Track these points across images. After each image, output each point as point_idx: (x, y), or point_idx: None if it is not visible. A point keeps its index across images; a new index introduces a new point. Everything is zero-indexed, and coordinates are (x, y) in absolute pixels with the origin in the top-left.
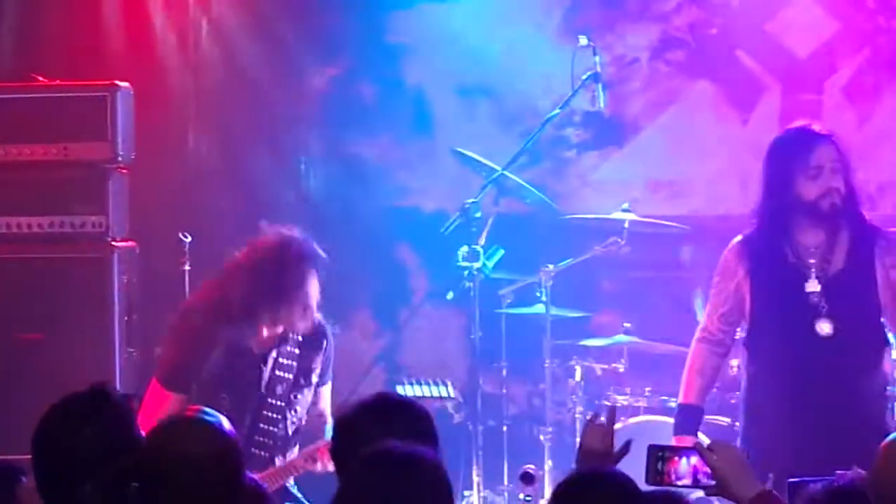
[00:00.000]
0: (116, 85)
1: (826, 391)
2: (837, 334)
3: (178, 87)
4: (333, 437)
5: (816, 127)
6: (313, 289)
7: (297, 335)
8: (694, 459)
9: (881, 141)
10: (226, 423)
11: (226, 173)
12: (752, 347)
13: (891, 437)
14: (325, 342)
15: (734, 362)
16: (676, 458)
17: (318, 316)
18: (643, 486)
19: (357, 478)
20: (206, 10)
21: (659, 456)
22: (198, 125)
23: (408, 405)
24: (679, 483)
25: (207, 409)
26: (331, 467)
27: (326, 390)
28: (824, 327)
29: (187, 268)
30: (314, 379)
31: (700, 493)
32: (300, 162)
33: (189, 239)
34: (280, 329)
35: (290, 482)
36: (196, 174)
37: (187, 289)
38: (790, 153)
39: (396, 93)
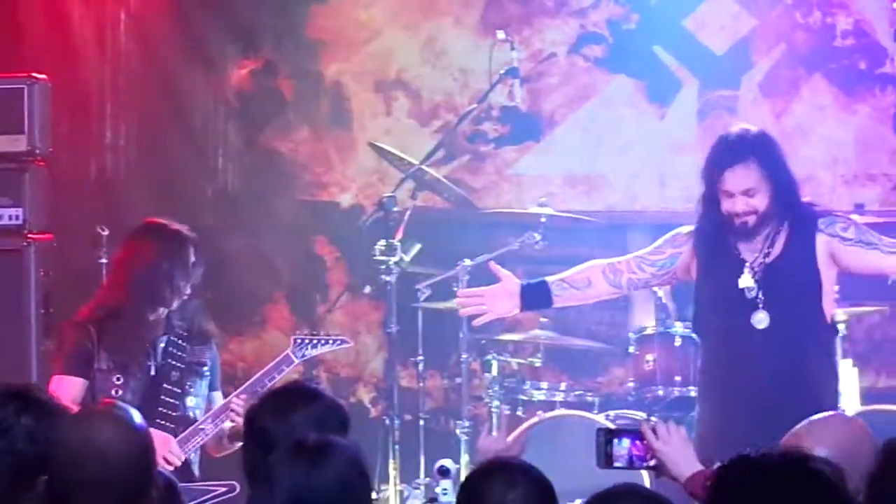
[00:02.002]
0: (34, 77)
1: (767, 381)
2: (774, 326)
3: (96, 80)
4: (246, 428)
5: (744, 135)
6: (186, 275)
7: (183, 326)
8: (627, 442)
9: (798, 136)
10: (137, 417)
11: (143, 166)
12: (699, 338)
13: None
14: (212, 341)
15: (649, 357)
16: (618, 440)
17: (209, 327)
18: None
19: (275, 469)
20: (124, 2)
21: (606, 439)
22: (115, 118)
23: (317, 395)
24: (621, 464)
25: (119, 403)
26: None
27: (218, 396)
28: (761, 320)
29: (104, 261)
30: (206, 372)
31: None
32: (218, 155)
33: (106, 232)
34: (163, 314)
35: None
36: (114, 167)
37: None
38: (711, 172)
39: (314, 87)
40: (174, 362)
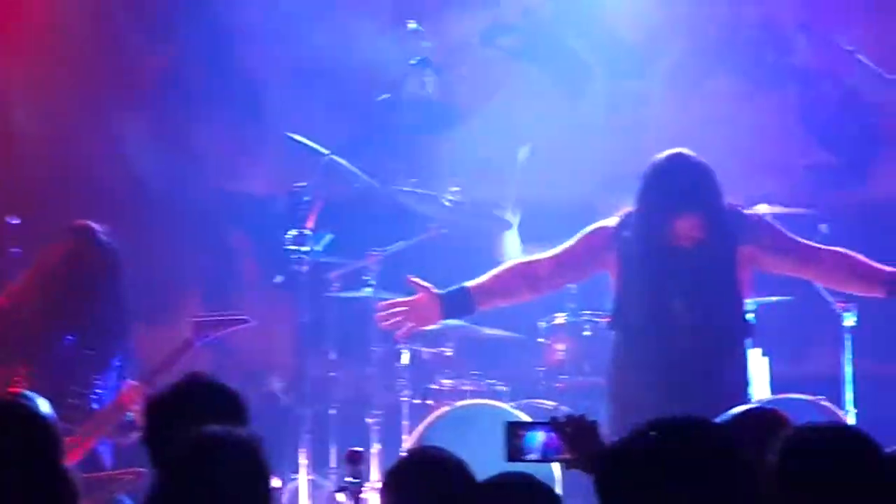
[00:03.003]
0: None
1: (686, 391)
2: (696, 340)
3: (6, 69)
4: (145, 420)
5: (694, 187)
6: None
7: (95, 317)
8: (542, 434)
9: (704, 125)
10: (44, 407)
11: (56, 157)
12: (616, 340)
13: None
14: (125, 331)
15: (559, 346)
16: (530, 433)
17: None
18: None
19: (173, 463)
20: None
21: (515, 432)
22: (27, 108)
23: (216, 386)
24: (533, 457)
25: (25, 393)
26: (136, 408)
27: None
28: (684, 335)
29: (15, 250)
30: (116, 362)
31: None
32: (132, 145)
33: (18, 222)
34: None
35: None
36: (25, 157)
37: (16, 272)
38: (659, 213)
39: (229, 77)
40: (84, 352)
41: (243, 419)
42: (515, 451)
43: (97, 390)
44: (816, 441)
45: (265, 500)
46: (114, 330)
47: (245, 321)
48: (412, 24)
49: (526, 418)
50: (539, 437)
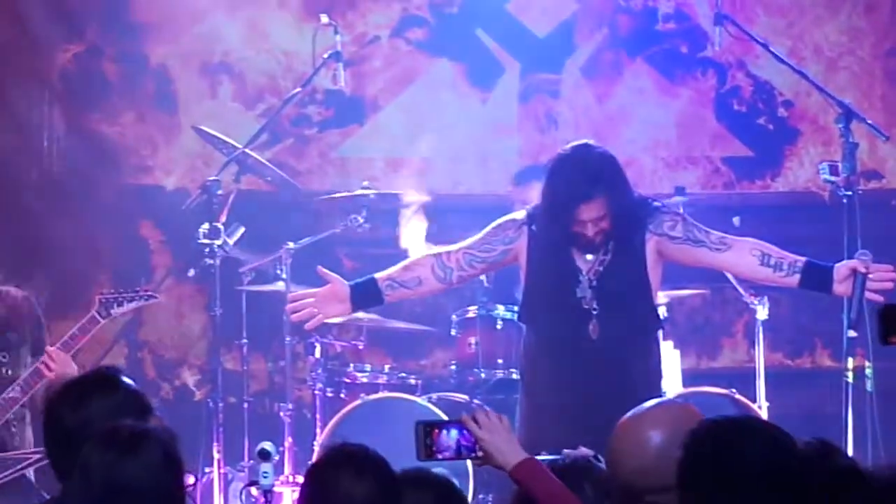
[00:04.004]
0: None
1: (597, 386)
2: (606, 333)
3: None
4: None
5: (599, 173)
6: None
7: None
8: (455, 433)
9: (620, 119)
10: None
11: None
12: (527, 333)
13: (625, 416)
14: (30, 305)
15: (472, 340)
16: (443, 432)
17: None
18: (414, 462)
19: (86, 458)
20: None
21: (426, 431)
22: None
23: (116, 383)
24: (447, 455)
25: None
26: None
27: None
28: (594, 329)
29: None
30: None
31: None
32: (42, 138)
33: None
34: None
35: None
36: None
37: None
38: (564, 200)
39: (139, 70)
40: None
41: (145, 417)
42: (427, 451)
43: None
44: (725, 434)
45: (180, 494)
46: (16, 305)
47: (151, 296)
48: (324, 18)
49: (438, 412)
50: (452, 434)
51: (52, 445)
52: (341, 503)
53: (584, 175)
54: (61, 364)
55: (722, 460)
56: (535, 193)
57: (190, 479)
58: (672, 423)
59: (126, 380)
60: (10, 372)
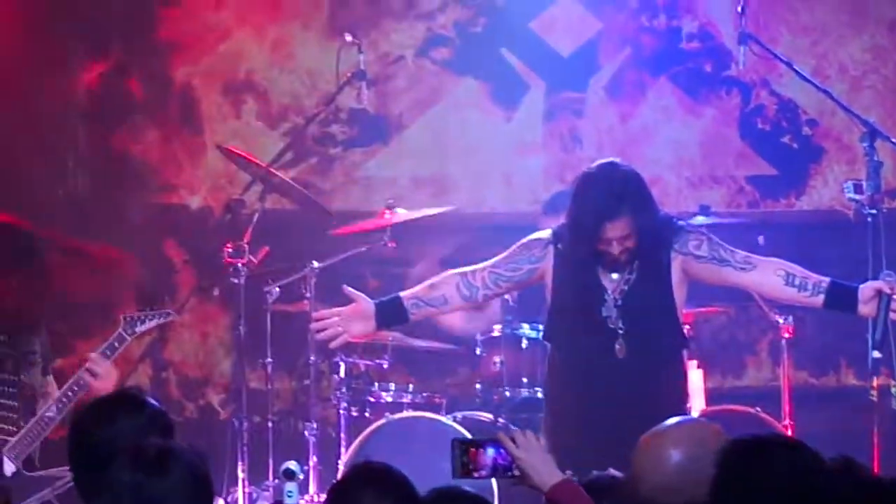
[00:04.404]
0: None
1: (623, 405)
2: (632, 352)
3: None
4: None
5: (623, 191)
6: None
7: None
8: (492, 451)
9: (644, 138)
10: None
11: None
12: (552, 352)
13: (646, 434)
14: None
15: (496, 358)
16: (479, 450)
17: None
18: (437, 481)
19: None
20: None
21: (463, 449)
22: None
23: (141, 402)
24: (483, 474)
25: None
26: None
27: (51, 381)
28: (620, 349)
29: None
30: (37, 358)
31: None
32: (68, 157)
33: None
34: None
35: None
36: None
37: None
38: (590, 219)
39: (164, 89)
40: (6, 351)
41: (169, 436)
42: (464, 469)
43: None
44: (757, 451)
45: None
46: (30, 324)
47: (169, 314)
48: (348, 37)
49: (463, 431)
50: (489, 452)
51: (79, 464)
52: None
53: (609, 193)
54: (106, 373)
55: (752, 477)
56: (561, 213)
57: (219, 503)
58: (692, 440)
59: (151, 400)
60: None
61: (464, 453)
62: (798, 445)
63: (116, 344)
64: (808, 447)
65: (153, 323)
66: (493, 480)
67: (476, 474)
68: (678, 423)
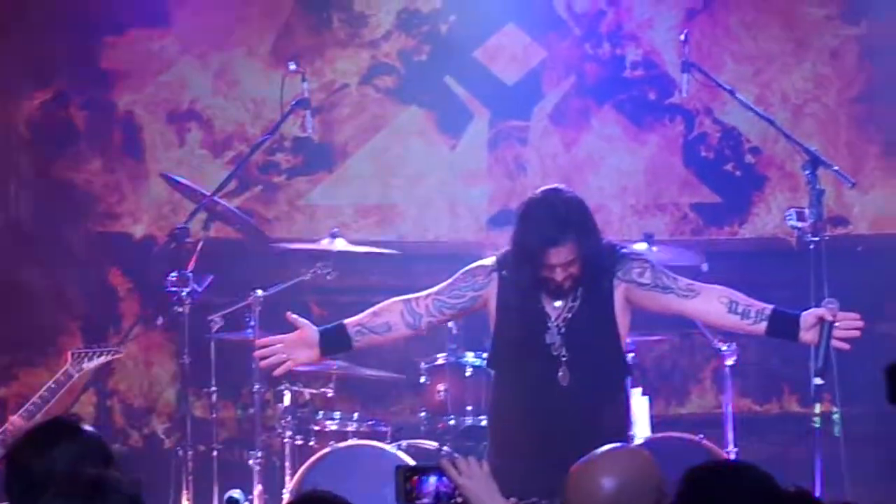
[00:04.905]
0: None
1: (566, 432)
2: (575, 380)
3: None
4: (6, 465)
5: (567, 217)
6: None
7: None
8: (434, 479)
9: (588, 166)
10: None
11: None
12: (496, 379)
13: (577, 463)
14: None
15: (441, 387)
16: (422, 478)
17: None
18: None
19: None
20: None
21: (406, 476)
22: None
23: (78, 430)
24: (426, 502)
25: None
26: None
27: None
28: (564, 375)
29: None
30: None
31: None
32: (10, 186)
33: None
34: None
35: None
36: None
37: None
38: (534, 244)
39: (107, 117)
40: None
41: (108, 464)
42: (407, 496)
43: None
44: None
45: None
46: None
47: (118, 352)
48: (292, 66)
49: (408, 459)
50: (431, 480)
51: (14, 494)
52: None
53: (554, 219)
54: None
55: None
56: (505, 240)
57: None
58: (623, 469)
59: (87, 427)
60: None
61: (406, 480)
62: (758, 470)
63: (63, 379)
64: (766, 472)
65: (101, 360)
66: None
67: (419, 502)
68: (608, 452)
